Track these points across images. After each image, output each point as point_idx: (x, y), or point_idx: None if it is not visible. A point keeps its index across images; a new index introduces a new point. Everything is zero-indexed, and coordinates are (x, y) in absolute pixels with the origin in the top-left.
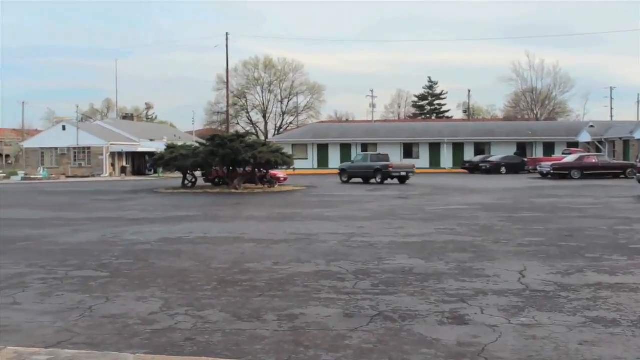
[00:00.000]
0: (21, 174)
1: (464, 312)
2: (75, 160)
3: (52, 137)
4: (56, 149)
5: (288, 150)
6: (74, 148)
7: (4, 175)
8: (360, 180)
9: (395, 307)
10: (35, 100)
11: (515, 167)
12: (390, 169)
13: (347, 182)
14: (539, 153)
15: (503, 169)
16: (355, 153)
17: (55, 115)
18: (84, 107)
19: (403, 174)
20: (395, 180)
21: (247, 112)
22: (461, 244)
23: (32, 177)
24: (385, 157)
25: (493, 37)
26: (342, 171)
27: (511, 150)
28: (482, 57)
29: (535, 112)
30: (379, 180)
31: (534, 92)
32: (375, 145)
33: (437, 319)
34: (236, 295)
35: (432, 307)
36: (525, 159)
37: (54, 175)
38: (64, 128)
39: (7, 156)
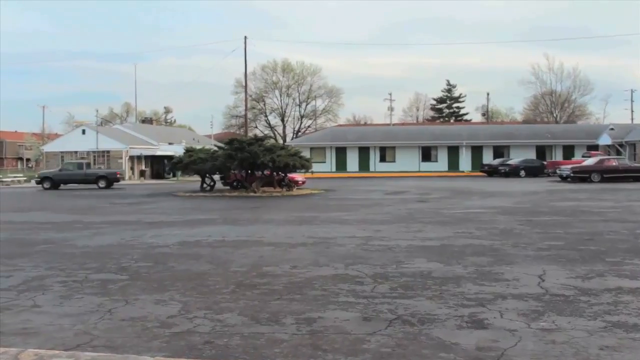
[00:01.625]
0: None
1: (483, 316)
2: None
3: (72, 141)
4: (76, 152)
5: (306, 153)
6: (94, 152)
7: (25, 179)
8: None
9: (413, 310)
10: (55, 104)
11: (534, 170)
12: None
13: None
14: (558, 156)
15: (522, 172)
16: (374, 156)
17: (75, 119)
18: (103, 111)
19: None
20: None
21: (266, 116)
22: (480, 248)
23: None
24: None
25: (512, 40)
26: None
27: (530, 154)
28: (500, 59)
29: (554, 115)
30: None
31: (553, 95)
32: (393, 148)
33: (456, 323)
34: (254, 298)
35: (451, 311)
36: (545, 162)
37: None
38: (83, 132)
39: (28, 160)
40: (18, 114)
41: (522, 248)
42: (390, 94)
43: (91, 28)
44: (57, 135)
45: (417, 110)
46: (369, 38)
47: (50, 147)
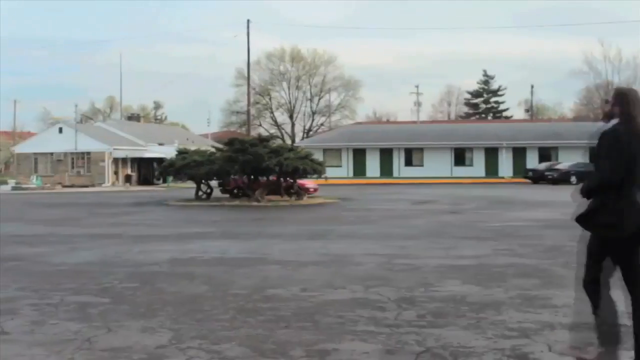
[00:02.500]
0: (12, 182)
1: (527, 350)
2: (73, 168)
3: (47, 141)
4: (52, 154)
5: (319, 156)
6: (72, 153)
7: None
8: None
9: (445, 342)
10: (28, 98)
11: (587, 176)
12: None
13: None
14: None
15: (573, 179)
16: (398, 159)
17: (52, 116)
18: (83, 106)
19: None
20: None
21: (271, 112)
22: (524, 268)
23: (24, 186)
24: None
25: (560, 24)
26: None
27: (582, 157)
28: (547, 46)
29: None
30: None
31: (610, 87)
32: (420, 150)
33: (495, 357)
34: (258, 326)
35: (489, 342)
36: None
37: (48, 185)
38: (60, 130)
39: None
40: None
41: (574, 268)
42: (417, 87)
43: (71, 12)
44: (30, 134)
45: (449, 105)
46: (391, 22)
47: (21, 147)
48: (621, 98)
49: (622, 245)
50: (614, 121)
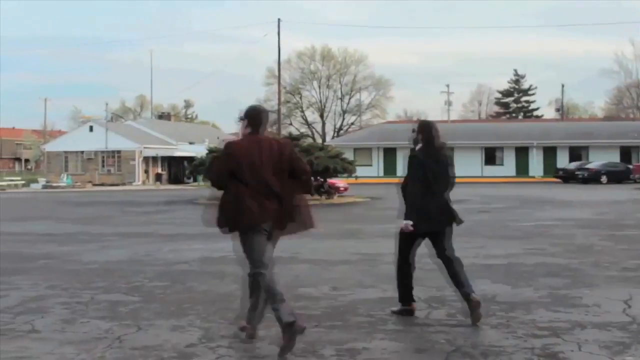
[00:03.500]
0: (42, 181)
1: (557, 349)
2: (103, 166)
3: (78, 140)
4: (82, 152)
5: (349, 155)
6: (103, 152)
7: (23, 182)
8: None
9: (475, 341)
10: (59, 97)
11: (618, 175)
12: None
13: None
14: None
15: (604, 178)
16: None
17: (82, 115)
18: (114, 104)
19: None
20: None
21: (302, 111)
22: (554, 267)
23: (55, 184)
24: None
25: (591, 23)
26: None
27: (613, 156)
28: (577, 46)
29: None
30: None
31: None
32: (451, 149)
33: (525, 357)
34: None
35: (519, 342)
36: (631, 166)
37: (79, 183)
38: (91, 129)
39: (27, 161)
40: (16, 108)
41: (605, 268)
42: (448, 86)
43: (100, 11)
44: (60, 133)
45: (480, 104)
46: (422, 21)
47: (52, 146)
48: (423, 128)
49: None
50: (419, 146)
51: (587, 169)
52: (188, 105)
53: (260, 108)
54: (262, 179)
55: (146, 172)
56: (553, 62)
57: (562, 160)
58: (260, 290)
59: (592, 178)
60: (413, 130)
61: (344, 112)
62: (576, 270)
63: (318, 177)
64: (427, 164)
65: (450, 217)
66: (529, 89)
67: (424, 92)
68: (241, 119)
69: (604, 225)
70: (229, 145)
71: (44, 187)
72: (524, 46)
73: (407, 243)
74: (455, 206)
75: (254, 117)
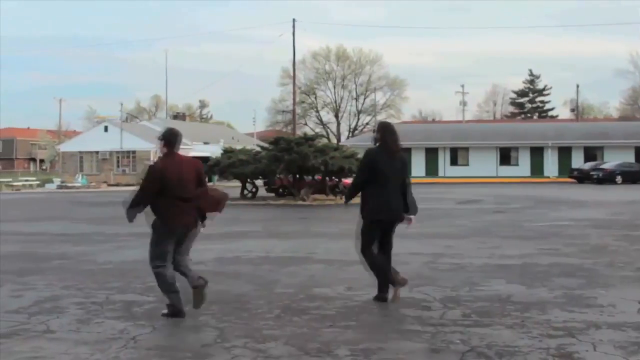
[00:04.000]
0: (57, 181)
1: (572, 349)
2: (118, 166)
3: (93, 140)
4: (97, 152)
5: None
6: (117, 152)
7: (38, 182)
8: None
9: (490, 341)
10: (73, 97)
11: (633, 175)
12: None
13: None
14: None
15: (619, 178)
16: (444, 159)
17: (97, 115)
18: (129, 105)
19: None
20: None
21: (317, 111)
22: (568, 267)
23: (70, 185)
24: None
25: (606, 24)
26: None
27: (628, 156)
28: (592, 46)
29: None
30: None
31: None
32: (466, 149)
33: (540, 357)
34: (303, 325)
35: (534, 342)
36: None
37: (94, 183)
38: (106, 129)
39: (42, 161)
40: (32, 108)
41: (619, 268)
42: (463, 86)
43: (116, 11)
44: (75, 133)
45: (494, 105)
46: (437, 21)
47: (67, 146)
48: (381, 128)
49: (385, 224)
50: (377, 144)
51: (602, 169)
52: (203, 105)
53: (175, 131)
54: (187, 190)
55: None
56: (568, 62)
57: (577, 161)
58: None
59: (607, 178)
60: (373, 131)
61: (359, 112)
62: (591, 271)
63: (333, 177)
64: (379, 159)
65: (405, 209)
66: (543, 89)
67: (439, 92)
68: (159, 139)
69: (619, 226)
70: (155, 168)
71: (59, 187)
72: (539, 46)
73: (375, 234)
74: (470, 206)
75: (169, 139)
